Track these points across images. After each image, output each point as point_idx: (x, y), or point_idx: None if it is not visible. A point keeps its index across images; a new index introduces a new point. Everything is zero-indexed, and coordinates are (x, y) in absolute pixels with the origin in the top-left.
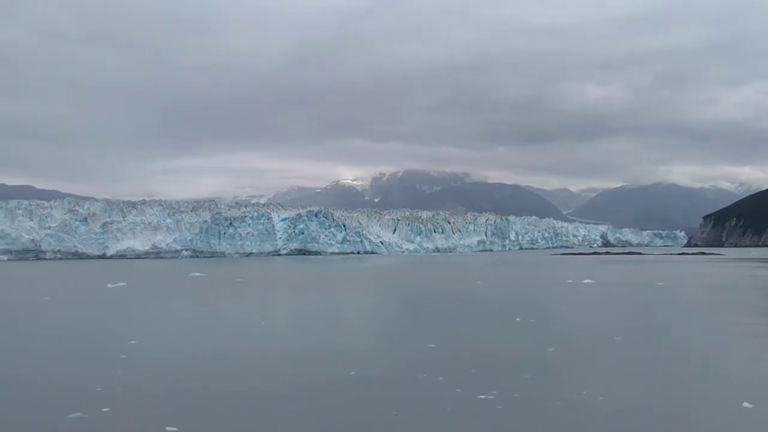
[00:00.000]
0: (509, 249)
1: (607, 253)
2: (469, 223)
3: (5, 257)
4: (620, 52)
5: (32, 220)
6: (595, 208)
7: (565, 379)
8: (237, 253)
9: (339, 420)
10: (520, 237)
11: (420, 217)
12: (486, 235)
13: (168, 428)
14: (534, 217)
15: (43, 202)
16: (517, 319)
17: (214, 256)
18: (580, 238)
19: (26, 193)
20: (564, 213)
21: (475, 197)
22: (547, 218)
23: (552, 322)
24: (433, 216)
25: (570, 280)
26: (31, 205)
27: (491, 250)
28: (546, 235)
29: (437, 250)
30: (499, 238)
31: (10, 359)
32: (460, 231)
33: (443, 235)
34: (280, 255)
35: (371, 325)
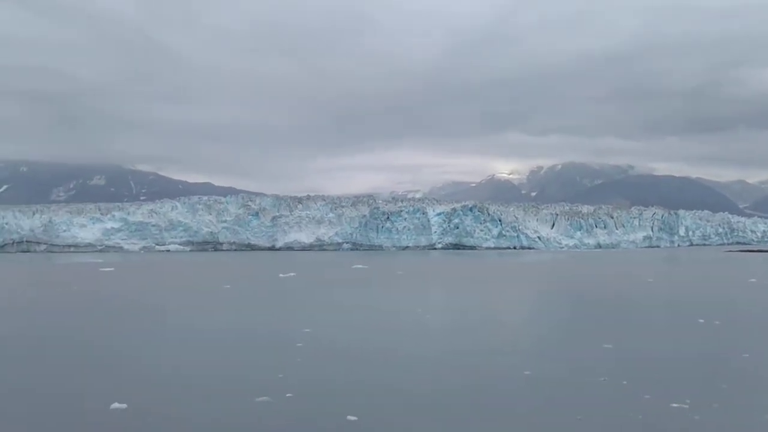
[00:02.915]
0: (678, 245)
1: None
2: (634, 217)
3: (188, 248)
4: None
5: (211, 214)
6: None
7: None
8: (393, 246)
9: (520, 420)
10: (691, 232)
11: (580, 211)
12: (653, 231)
13: (349, 417)
14: (706, 211)
15: (220, 197)
16: (700, 320)
17: (372, 249)
18: (759, 234)
19: (206, 189)
20: (740, 207)
21: (640, 190)
22: (721, 212)
23: (741, 325)
24: (594, 210)
25: (753, 279)
26: (209, 200)
27: (658, 247)
28: (720, 230)
29: (599, 246)
30: (667, 234)
31: (203, 345)
32: (623, 226)
33: (605, 231)
34: (435, 249)
35: (538, 322)
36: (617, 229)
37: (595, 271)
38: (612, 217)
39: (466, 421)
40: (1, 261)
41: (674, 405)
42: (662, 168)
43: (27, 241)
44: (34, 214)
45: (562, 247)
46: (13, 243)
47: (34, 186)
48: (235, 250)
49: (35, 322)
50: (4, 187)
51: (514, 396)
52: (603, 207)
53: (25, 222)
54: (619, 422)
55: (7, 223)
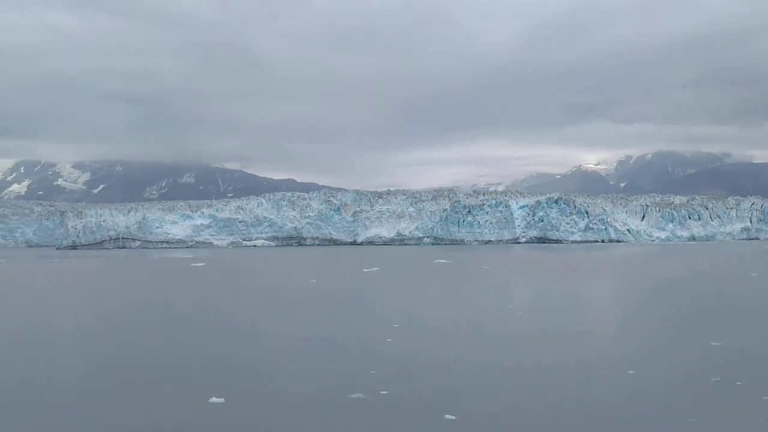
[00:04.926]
0: None
1: None
2: (731, 208)
3: (273, 243)
4: None
5: (294, 210)
6: None
7: None
8: (475, 240)
9: (628, 423)
10: None
11: (672, 202)
12: (751, 222)
13: (447, 416)
14: None
15: (303, 194)
16: None
17: (453, 244)
18: None
19: (289, 186)
20: None
21: (737, 179)
22: None
23: None
24: (687, 201)
25: None
26: (293, 196)
27: (757, 239)
28: None
29: (693, 238)
30: (767, 225)
31: (294, 340)
32: (719, 217)
33: (700, 222)
34: (518, 243)
35: (638, 318)
36: (712, 220)
37: (692, 265)
38: (707, 208)
39: (571, 424)
40: (100, 257)
41: None
42: (761, 155)
43: (123, 238)
44: (129, 212)
45: (653, 240)
46: (110, 240)
47: (129, 185)
48: (318, 244)
49: (135, 318)
50: (101, 186)
51: (619, 397)
52: (697, 197)
53: (120, 219)
54: (738, 426)
55: (104, 221)
